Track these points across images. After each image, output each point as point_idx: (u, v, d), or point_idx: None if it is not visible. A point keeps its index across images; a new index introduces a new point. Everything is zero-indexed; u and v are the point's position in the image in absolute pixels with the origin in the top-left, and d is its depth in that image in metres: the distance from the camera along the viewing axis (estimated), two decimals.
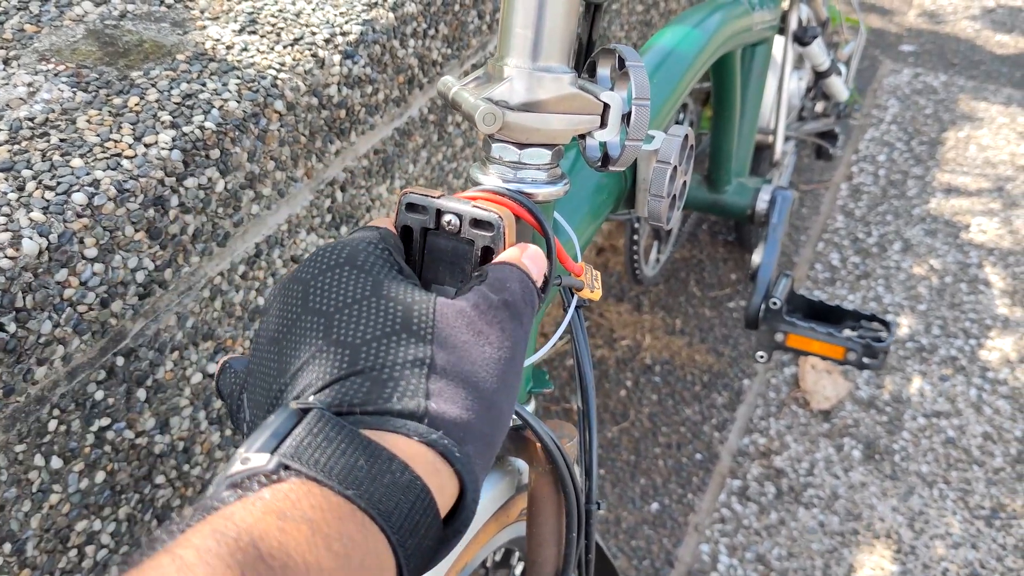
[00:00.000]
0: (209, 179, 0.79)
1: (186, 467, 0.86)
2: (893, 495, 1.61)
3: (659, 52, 0.99)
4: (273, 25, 0.93)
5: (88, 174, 0.71)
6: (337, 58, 0.92)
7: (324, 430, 0.37)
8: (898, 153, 2.44)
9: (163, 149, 0.75)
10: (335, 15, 0.96)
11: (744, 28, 1.19)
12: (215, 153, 0.79)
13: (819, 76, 1.76)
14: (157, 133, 0.76)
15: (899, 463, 1.67)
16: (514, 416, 0.71)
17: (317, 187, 0.95)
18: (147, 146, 0.75)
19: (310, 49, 0.91)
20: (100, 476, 0.76)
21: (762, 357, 1.36)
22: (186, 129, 0.77)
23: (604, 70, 0.68)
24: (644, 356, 1.88)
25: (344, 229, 1.01)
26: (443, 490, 0.40)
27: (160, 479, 0.83)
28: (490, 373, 0.44)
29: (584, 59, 0.70)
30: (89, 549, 0.78)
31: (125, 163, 0.73)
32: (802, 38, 1.54)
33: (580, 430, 0.77)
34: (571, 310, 0.69)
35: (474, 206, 0.56)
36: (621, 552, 1.53)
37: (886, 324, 1.31)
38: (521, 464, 0.77)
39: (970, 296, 2.01)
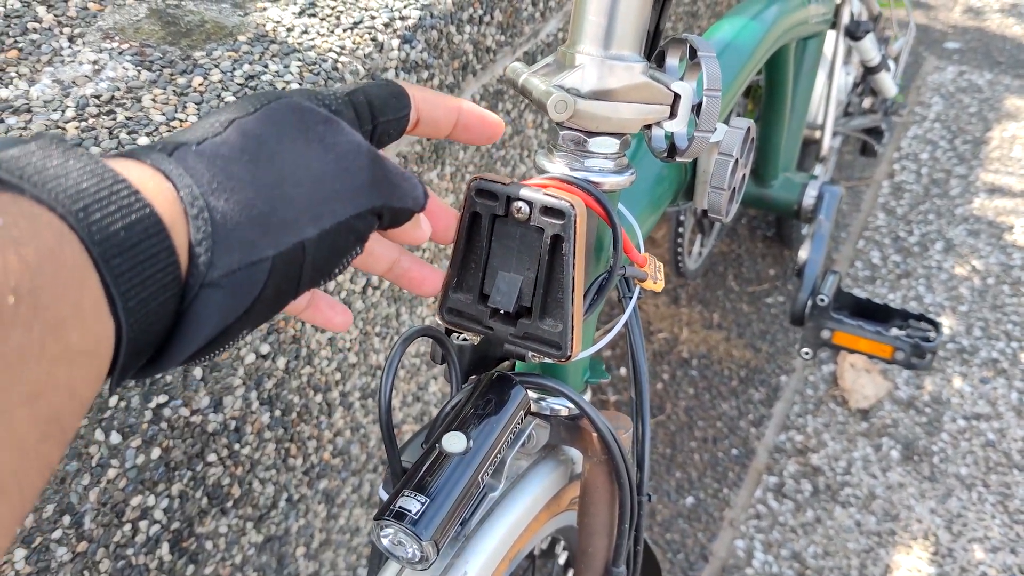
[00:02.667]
0: None
1: (237, 446, 0.87)
2: (931, 497, 1.60)
3: (718, 44, 0.98)
4: (333, 8, 0.93)
5: None
6: (396, 42, 0.92)
7: (48, 149, 0.32)
8: (941, 151, 2.41)
9: None
10: None
11: (800, 21, 1.17)
12: None
13: (869, 71, 1.74)
14: None
15: (938, 465, 1.65)
16: (570, 405, 0.71)
17: None
18: None
19: (369, 33, 0.91)
20: (156, 452, 0.77)
21: (807, 354, 1.35)
22: None
23: (673, 60, 0.68)
24: (681, 350, 1.87)
25: None
26: (179, 230, 0.34)
27: (212, 457, 0.84)
28: (305, 162, 0.39)
29: (652, 48, 0.70)
30: (143, 524, 0.79)
31: None
32: (854, 32, 1.52)
33: (634, 421, 0.76)
34: (632, 301, 0.68)
35: (545, 194, 0.56)
36: (656, 545, 1.53)
37: (934, 324, 1.30)
38: (575, 453, 0.77)
39: (1012, 298, 1.98)
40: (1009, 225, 2.17)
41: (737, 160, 0.80)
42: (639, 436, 0.77)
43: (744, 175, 0.85)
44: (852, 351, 1.29)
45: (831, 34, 1.53)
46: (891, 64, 1.84)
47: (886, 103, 1.92)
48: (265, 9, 0.91)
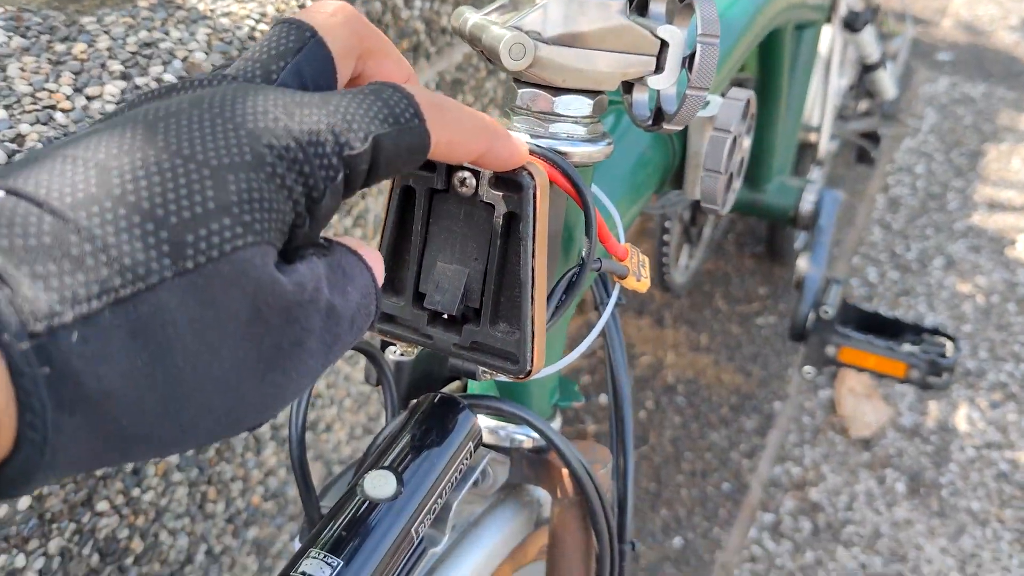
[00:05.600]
0: None
1: (136, 491, 0.72)
2: (942, 534, 1.46)
3: None
4: None
5: (11, 128, 0.57)
6: None
7: None
8: (937, 164, 2.30)
9: (108, 103, 0.62)
10: None
11: (798, 3, 1.05)
12: None
13: (867, 70, 1.63)
14: (103, 84, 0.63)
15: (947, 498, 1.51)
16: (535, 435, 0.58)
17: None
18: (89, 98, 0.61)
19: None
20: (24, 502, 0.62)
21: (809, 373, 1.22)
22: (139, 80, 0.64)
23: (658, 6, 0.54)
24: (666, 374, 1.73)
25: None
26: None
27: (103, 505, 0.69)
28: (226, 377, 0.27)
29: None
30: None
31: (59, 116, 0.59)
32: (853, 24, 1.41)
33: (614, 453, 0.63)
34: (611, 302, 0.55)
35: None
36: None
37: (952, 338, 1.17)
38: (542, 494, 0.63)
39: (1019, 317, 1.86)
40: (1012, 240, 2.05)
41: (736, 138, 0.67)
42: (621, 471, 0.63)
43: (743, 159, 0.72)
44: (860, 369, 1.16)
45: (827, 30, 1.42)
46: (888, 63, 1.73)
47: (883, 105, 1.81)
48: None
